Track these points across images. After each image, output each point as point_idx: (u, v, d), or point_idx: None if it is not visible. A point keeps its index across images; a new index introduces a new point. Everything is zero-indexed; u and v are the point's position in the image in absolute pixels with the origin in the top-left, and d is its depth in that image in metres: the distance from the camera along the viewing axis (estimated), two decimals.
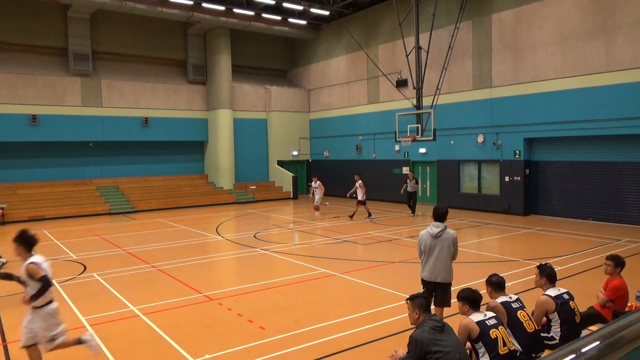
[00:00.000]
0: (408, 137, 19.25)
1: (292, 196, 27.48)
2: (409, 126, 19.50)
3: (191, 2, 22.98)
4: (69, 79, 23.00)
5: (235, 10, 24.28)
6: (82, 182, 23.75)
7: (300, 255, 12.10)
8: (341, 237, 14.56)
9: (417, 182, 19.03)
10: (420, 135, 19.23)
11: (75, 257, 12.40)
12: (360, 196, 18.62)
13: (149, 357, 6.10)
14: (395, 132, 19.90)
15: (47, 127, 22.19)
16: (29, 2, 22.33)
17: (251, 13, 24.80)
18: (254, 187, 27.30)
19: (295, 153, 29.22)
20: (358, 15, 25.54)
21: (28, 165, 22.68)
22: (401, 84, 22.55)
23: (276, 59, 30.59)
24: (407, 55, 19.85)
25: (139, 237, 15.63)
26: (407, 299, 4.39)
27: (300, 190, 28.57)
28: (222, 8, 24.07)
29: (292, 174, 27.87)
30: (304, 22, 26.94)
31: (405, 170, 23.48)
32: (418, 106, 19.60)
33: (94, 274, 10.46)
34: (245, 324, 7.19)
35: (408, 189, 18.71)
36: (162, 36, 26.14)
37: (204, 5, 23.57)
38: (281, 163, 28.80)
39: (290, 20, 26.26)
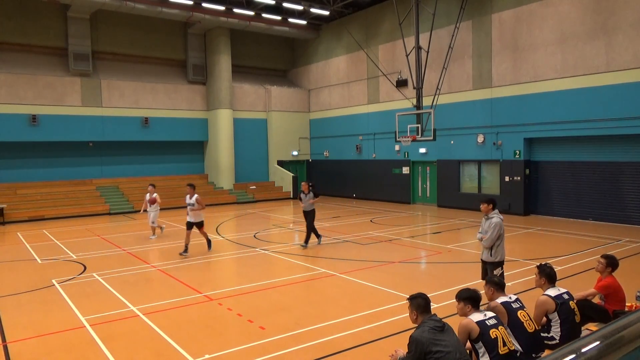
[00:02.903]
0: (408, 137, 19.25)
1: (292, 196, 27.47)
2: (409, 126, 19.50)
3: (191, 2, 22.97)
4: (69, 79, 22.99)
5: (235, 10, 24.28)
6: (82, 182, 23.74)
7: (300, 255, 12.10)
8: (341, 237, 14.56)
9: (316, 196, 13.18)
10: (420, 135, 19.22)
11: (75, 257, 12.39)
12: (194, 219, 12.42)
13: (149, 357, 6.10)
14: (395, 132, 19.90)
15: (47, 127, 22.17)
16: (28, 2, 22.30)
17: (251, 13, 24.80)
18: (254, 187, 27.31)
19: (295, 153, 29.22)
20: (358, 15, 25.54)
21: (28, 165, 22.66)
22: (401, 83, 22.55)
23: (276, 58, 30.59)
24: (407, 55, 19.85)
25: (139, 237, 15.63)
26: (408, 299, 4.40)
27: (300, 190, 28.57)
28: (222, 8, 24.07)
29: (292, 174, 27.87)
30: (304, 22, 26.94)
31: (405, 170, 23.51)
32: (418, 106, 19.60)
33: (94, 274, 10.46)
34: (245, 324, 7.19)
35: (303, 208, 13.25)
36: (162, 36, 26.13)
37: (204, 5, 23.56)
38: (281, 163, 28.80)
39: (290, 20, 26.26)
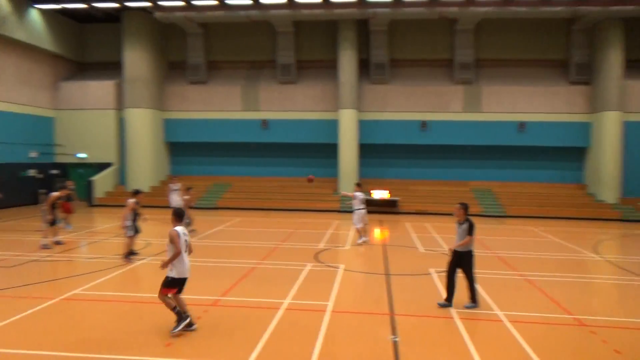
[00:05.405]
0: None
1: None
2: None
3: None
4: (453, 88, 25.30)
5: None
6: (460, 183, 25.78)
7: None
8: None
9: (470, 230, 8.53)
10: None
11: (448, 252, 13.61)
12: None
13: None
14: None
15: (434, 132, 25.29)
16: (421, 22, 25.55)
17: None
18: None
19: None
20: None
21: (418, 165, 26.41)
22: None
23: None
24: None
25: (507, 243, 15.77)
26: None
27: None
28: None
29: None
30: None
31: None
32: None
33: None
34: None
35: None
36: (541, 37, 25.33)
37: None
38: None
39: None
